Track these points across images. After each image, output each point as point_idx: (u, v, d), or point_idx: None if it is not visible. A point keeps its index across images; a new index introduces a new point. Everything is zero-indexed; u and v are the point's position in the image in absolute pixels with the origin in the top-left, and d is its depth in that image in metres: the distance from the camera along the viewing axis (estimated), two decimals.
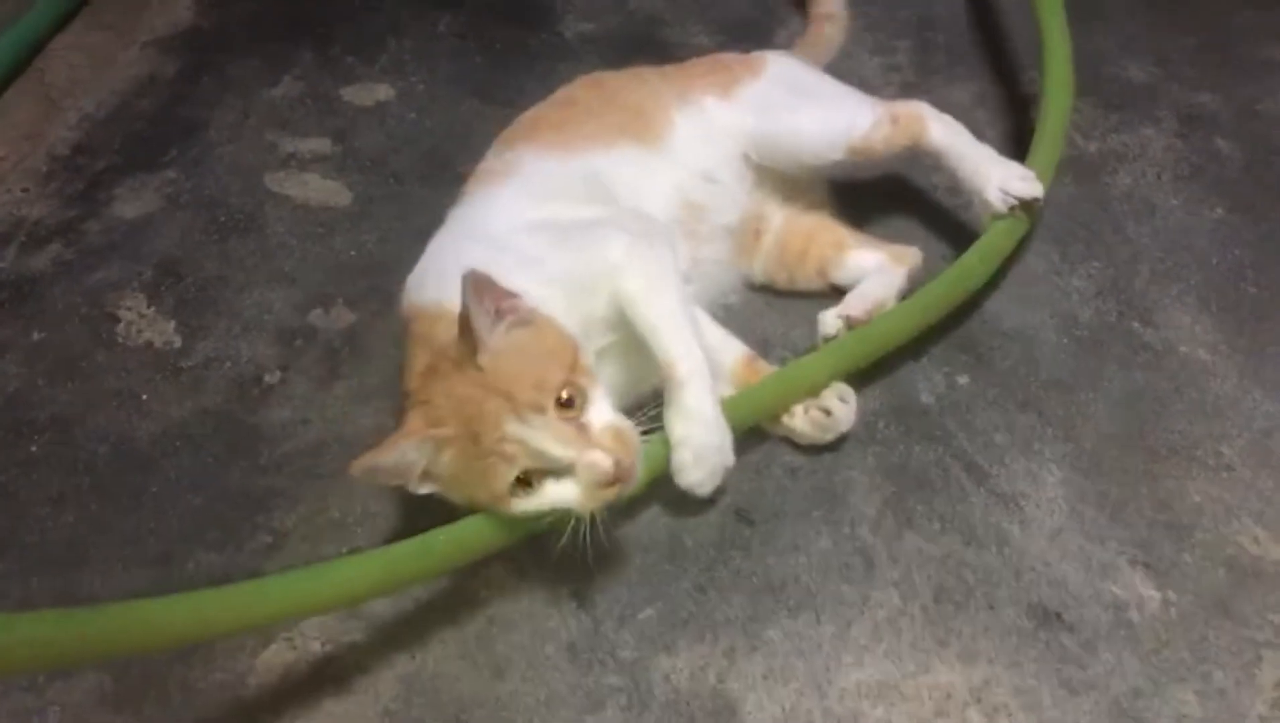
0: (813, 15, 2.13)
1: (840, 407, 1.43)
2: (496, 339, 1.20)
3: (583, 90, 1.66)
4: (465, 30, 2.30)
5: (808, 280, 1.66)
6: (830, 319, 1.52)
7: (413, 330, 1.33)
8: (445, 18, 2.33)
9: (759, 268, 1.68)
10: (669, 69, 1.75)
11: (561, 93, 1.68)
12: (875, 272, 1.62)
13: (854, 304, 1.54)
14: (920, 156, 1.67)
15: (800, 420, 1.44)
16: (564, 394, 1.19)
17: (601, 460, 1.17)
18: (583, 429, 1.20)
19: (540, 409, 1.18)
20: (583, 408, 1.21)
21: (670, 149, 1.58)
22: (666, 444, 1.30)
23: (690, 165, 1.59)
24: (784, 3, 2.27)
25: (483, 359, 1.19)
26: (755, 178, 1.66)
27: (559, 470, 1.19)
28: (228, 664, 1.28)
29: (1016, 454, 1.47)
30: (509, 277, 1.25)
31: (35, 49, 2.16)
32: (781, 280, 1.68)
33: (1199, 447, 1.47)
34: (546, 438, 1.17)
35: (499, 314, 1.21)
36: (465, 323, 1.19)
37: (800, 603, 1.32)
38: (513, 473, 1.19)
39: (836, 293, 1.62)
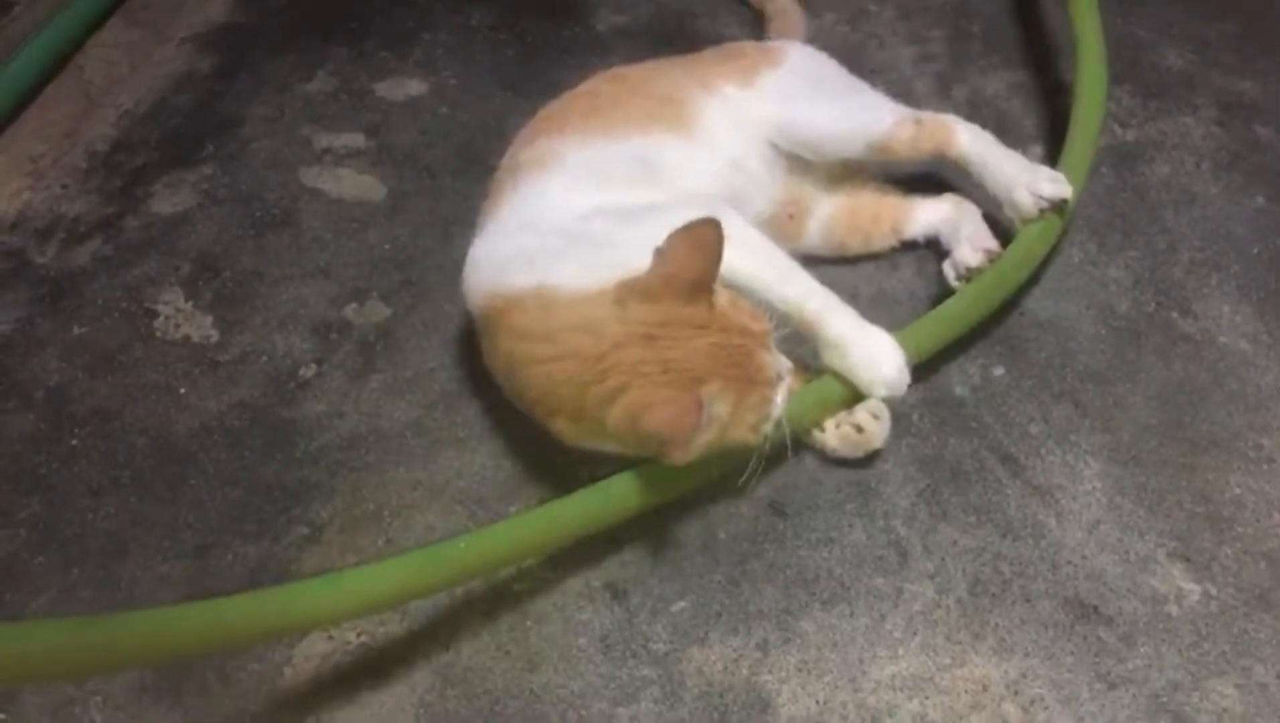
0: (769, 9, 2.14)
1: (873, 423, 1.41)
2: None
3: (605, 84, 1.66)
4: (498, 24, 2.30)
5: (883, 239, 1.72)
6: (964, 257, 1.55)
7: (506, 321, 1.34)
8: (478, 11, 2.33)
9: (820, 243, 1.69)
10: (687, 59, 1.75)
11: (582, 87, 1.67)
12: (954, 215, 1.66)
13: (977, 239, 1.58)
14: (949, 164, 1.67)
15: (832, 436, 1.43)
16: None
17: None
18: None
19: (768, 336, 1.28)
20: None
21: (701, 137, 1.58)
22: (838, 380, 1.39)
23: (721, 152, 1.59)
24: None
25: (718, 307, 1.26)
26: (786, 164, 1.65)
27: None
28: (266, 654, 1.29)
29: (1053, 446, 1.46)
30: (585, 262, 1.30)
31: (74, 46, 2.18)
32: (856, 244, 1.71)
33: (1239, 439, 1.46)
34: (780, 359, 1.29)
35: None
36: (691, 283, 1.23)
37: (834, 595, 1.32)
38: (776, 397, 1.28)
39: (876, 263, 1.70)
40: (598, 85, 1.66)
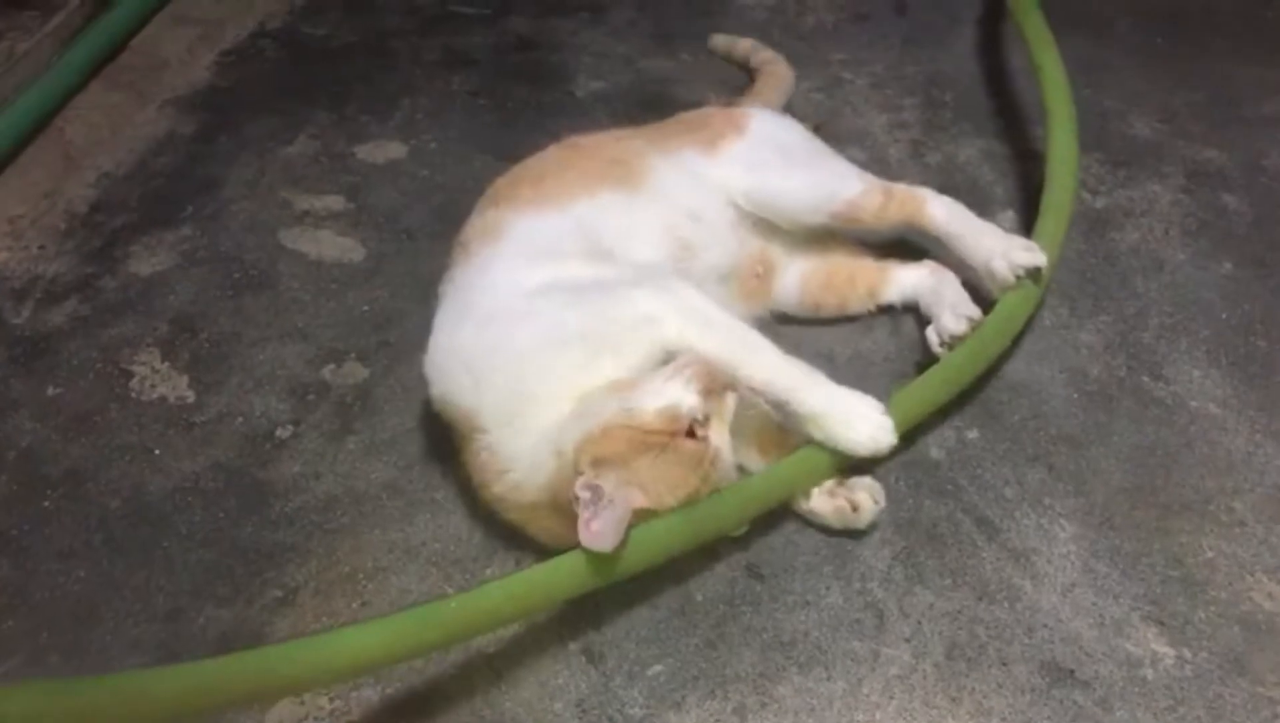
0: (755, 65, 2.22)
1: (870, 505, 1.41)
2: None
3: (558, 151, 1.68)
4: (478, 89, 2.33)
5: (860, 302, 1.73)
6: (947, 325, 1.57)
7: (458, 430, 1.40)
8: (458, 77, 2.37)
9: (794, 304, 1.72)
10: (649, 128, 1.78)
11: (536, 156, 1.69)
12: (931, 281, 1.67)
13: (960, 306, 1.59)
14: (923, 236, 1.69)
15: (822, 502, 1.42)
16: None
17: None
18: None
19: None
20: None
21: (652, 190, 1.60)
22: (822, 448, 1.38)
23: (675, 204, 1.60)
24: (791, 60, 2.28)
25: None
26: (752, 224, 1.68)
27: None
28: (237, 716, 1.27)
29: (1027, 509, 1.47)
30: (531, 343, 1.33)
31: (56, 108, 2.19)
32: (831, 305, 1.72)
33: (1211, 502, 1.47)
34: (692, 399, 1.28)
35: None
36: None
37: (811, 659, 1.31)
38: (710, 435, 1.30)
39: (850, 324, 1.71)
40: (551, 153, 1.68)
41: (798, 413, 1.36)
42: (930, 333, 1.59)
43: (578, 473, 1.23)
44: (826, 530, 1.44)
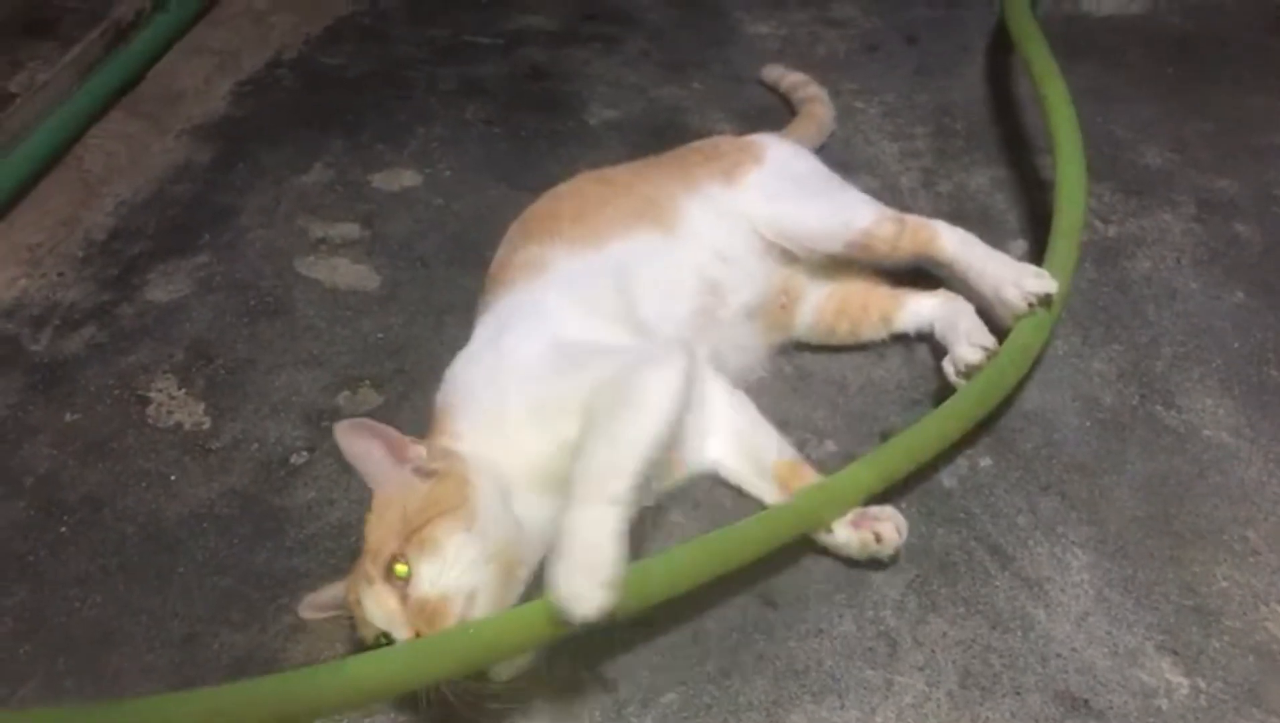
0: (799, 99, 2.23)
1: (894, 536, 1.40)
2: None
3: (591, 184, 1.70)
4: (492, 117, 2.36)
5: (873, 329, 1.72)
6: (963, 355, 1.56)
7: None
8: (472, 105, 2.39)
9: (808, 330, 1.72)
10: (666, 159, 1.79)
11: (566, 186, 1.71)
12: (946, 310, 1.67)
13: (975, 336, 1.58)
14: (935, 266, 1.71)
15: (846, 534, 1.41)
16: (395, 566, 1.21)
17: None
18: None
19: (370, 579, 1.21)
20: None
21: (685, 232, 1.61)
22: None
23: (705, 244, 1.61)
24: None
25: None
26: (778, 254, 1.68)
27: None
28: None
29: (1040, 537, 1.47)
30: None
31: (74, 137, 2.22)
32: (843, 332, 1.72)
33: (1224, 531, 1.47)
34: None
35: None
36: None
37: (824, 687, 1.31)
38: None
39: (865, 352, 1.72)
40: (584, 186, 1.70)
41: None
42: (946, 364, 1.59)
43: None
44: (846, 561, 1.44)
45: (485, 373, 1.42)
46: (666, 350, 1.39)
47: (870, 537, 1.41)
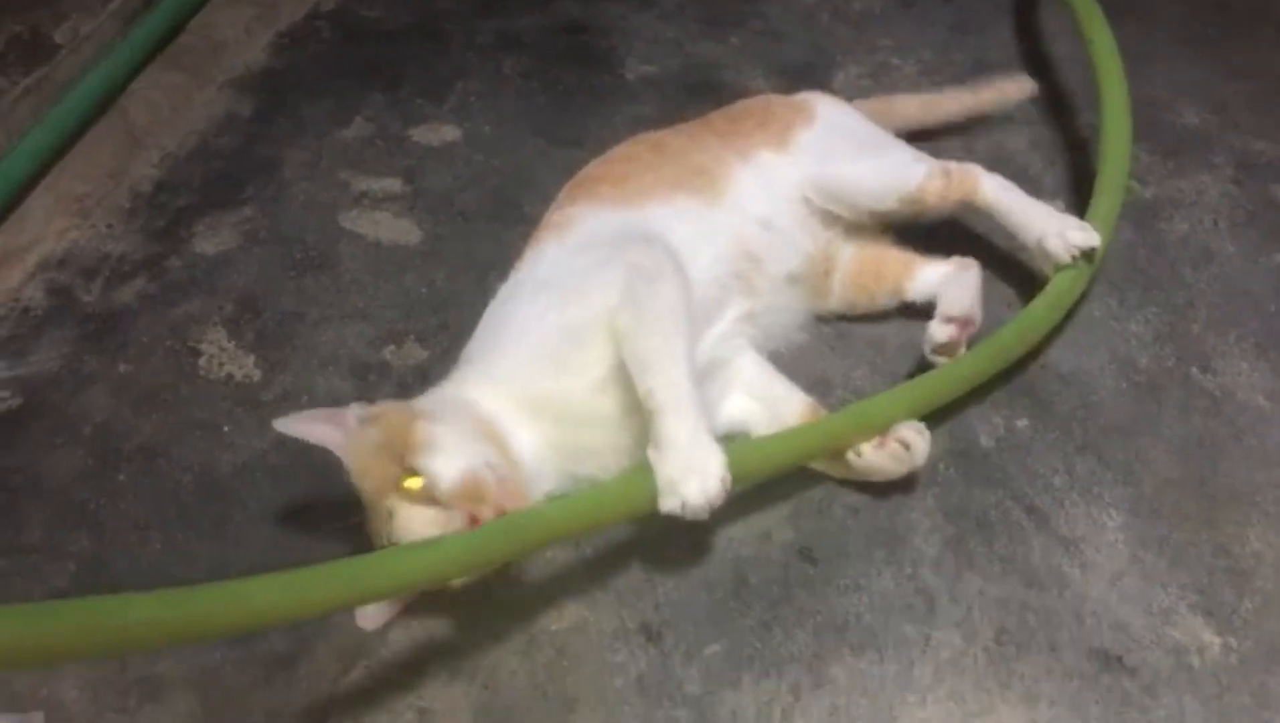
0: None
1: (918, 439, 1.43)
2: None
3: (643, 148, 1.70)
4: (530, 71, 2.36)
5: (887, 298, 1.72)
6: (938, 326, 1.56)
7: None
8: (510, 60, 2.40)
9: (837, 301, 1.72)
10: (718, 121, 1.79)
11: (621, 149, 1.72)
12: (951, 277, 1.65)
13: (955, 303, 1.57)
14: (975, 212, 1.72)
15: (874, 455, 1.44)
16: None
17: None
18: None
19: (392, 512, 1.28)
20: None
21: (730, 203, 1.61)
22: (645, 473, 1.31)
23: (750, 214, 1.61)
24: (839, 45, 2.31)
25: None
26: (821, 220, 1.69)
27: None
28: (313, 688, 1.32)
29: (1076, 498, 1.49)
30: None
31: (118, 89, 2.23)
32: (863, 302, 1.72)
33: (1258, 493, 1.49)
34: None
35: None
36: None
37: (863, 642, 1.35)
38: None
39: (907, 313, 1.72)
40: (635, 150, 1.70)
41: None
42: (930, 327, 1.58)
43: None
44: (878, 490, 1.48)
45: (491, 322, 1.50)
46: (649, 256, 1.43)
47: (899, 447, 1.43)
